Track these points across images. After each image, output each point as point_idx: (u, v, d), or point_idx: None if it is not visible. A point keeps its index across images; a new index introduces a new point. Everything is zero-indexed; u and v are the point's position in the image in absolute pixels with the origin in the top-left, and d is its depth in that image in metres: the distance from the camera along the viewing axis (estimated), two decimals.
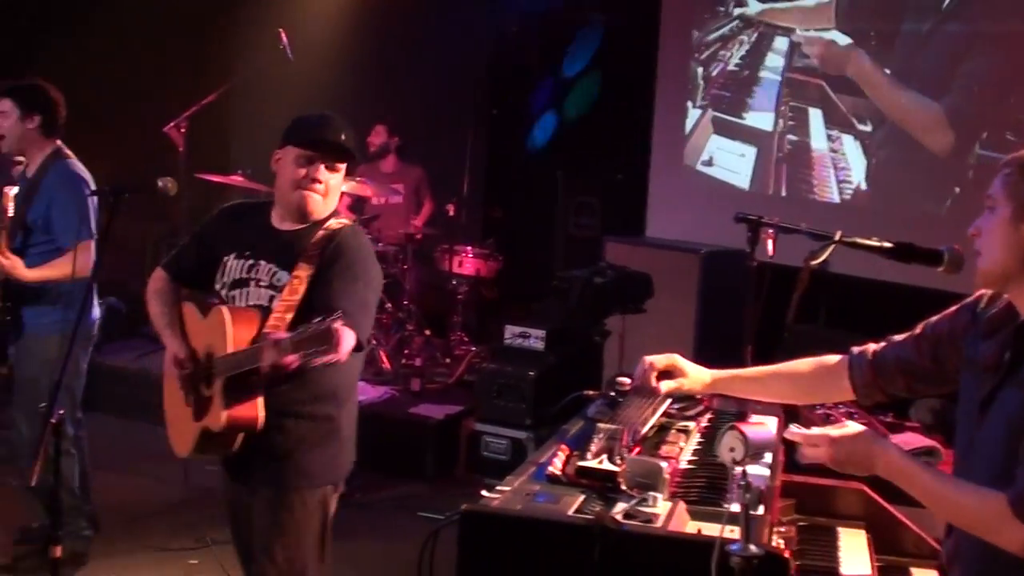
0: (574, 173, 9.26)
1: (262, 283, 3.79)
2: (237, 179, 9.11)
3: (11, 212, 5.27)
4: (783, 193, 8.23)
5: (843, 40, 7.86)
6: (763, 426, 2.32)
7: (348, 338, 3.43)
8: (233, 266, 3.88)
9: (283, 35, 8.95)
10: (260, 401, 3.65)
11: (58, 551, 3.90)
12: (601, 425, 2.93)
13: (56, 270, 5.40)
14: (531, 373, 7.03)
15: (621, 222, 8.81)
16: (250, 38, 10.25)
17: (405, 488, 7.40)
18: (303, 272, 3.69)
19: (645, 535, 2.43)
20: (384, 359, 8.73)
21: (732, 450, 2.26)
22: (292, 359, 3.29)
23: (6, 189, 5.25)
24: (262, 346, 3.41)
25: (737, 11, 8.46)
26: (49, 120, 5.58)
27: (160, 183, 4.36)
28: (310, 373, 3.62)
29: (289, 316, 3.56)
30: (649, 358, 3.22)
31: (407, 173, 9.74)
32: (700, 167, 8.73)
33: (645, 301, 6.50)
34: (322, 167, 3.78)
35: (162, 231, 10.80)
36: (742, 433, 2.26)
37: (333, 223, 3.88)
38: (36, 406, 5.45)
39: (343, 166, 3.85)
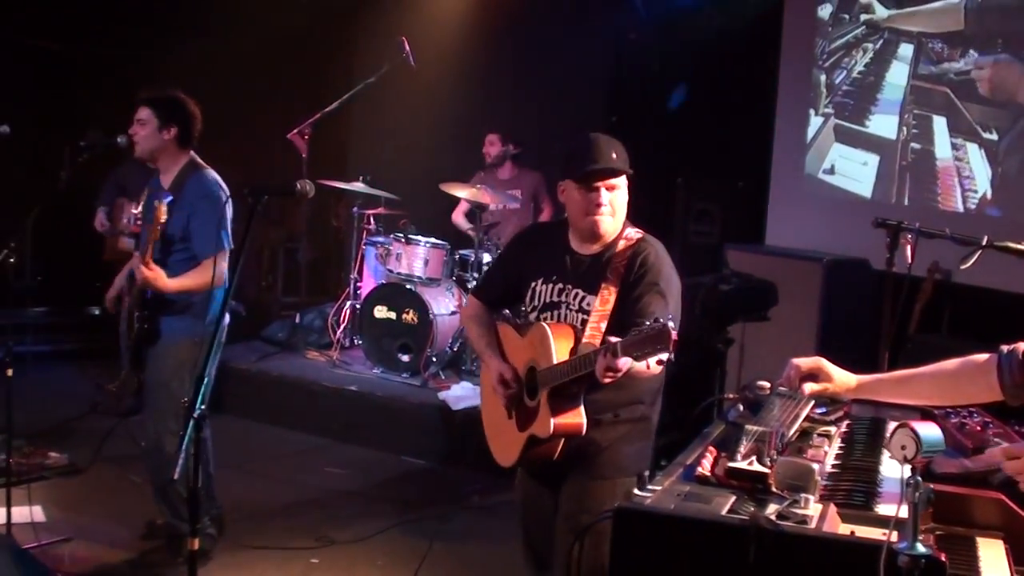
0: (694, 180, 9.23)
1: (572, 307, 4.05)
2: (359, 184, 9.25)
3: (162, 223, 5.37)
4: (905, 202, 8.11)
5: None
6: (932, 425, 2.29)
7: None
8: (542, 291, 4.16)
9: (406, 43, 9.04)
10: (582, 409, 3.88)
11: (195, 543, 3.96)
12: (749, 427, 2.93)
13: (194, 280, 5.54)
14: None
15: (740, 229, 8.77)
16: (372, 46, 10.39)
17: None
18: (611, 285, 3.94)
19: (801, 536, 2.43)
20: None
21: (903, 448, 2.25)
22: (625, 362, 3.43)
23: (159, 202, 5.36)
24: (595, 352, 3.58)
25: (864, 17, 8.36)
26: (186, 132, 5.71)
27: (299, 185, 4.43)
28: (628, 378, 3.78)
29: (603, 325, 3.78)
30: (795, 360, 3.21)
31: (524, 179, 9.79)
32: (822, 175, 8.65)
33: (769, 309, 6.45)
34: (602, 190, 3.97)
35: (280, 236, 11.00)
36: (914, 431, 2.24)
37: (631, 233, 4.09)
38: (165, 408, 5.62)
39: (621, 179, 4.01)
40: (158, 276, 5.42)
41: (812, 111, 8.68)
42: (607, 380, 3.56)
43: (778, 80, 8.89)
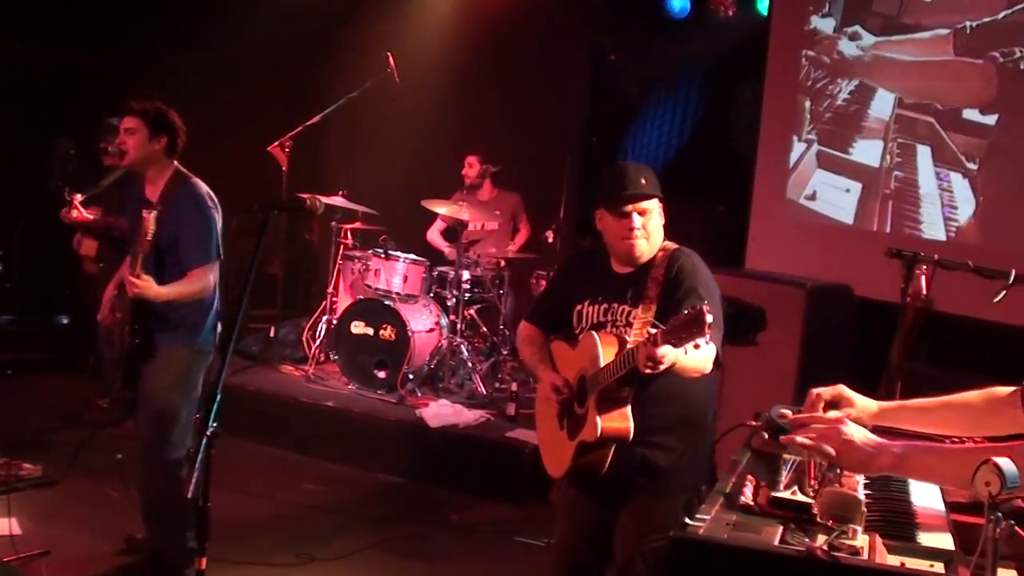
0: (674, 203, 9.22)
1: (620, 323, 4.20)
2: (338, 199, 9.19)
3: (150, 235, 5.29)
4: (887, 230, 8.14)
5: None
6: (1010, 460, 2.29)
7: (710, 351, 3.77)
8: (589, 312, 4.33)
9: (391, 58, 9.00)
10: (629, 412, 3.98)
11: (203, 563, 3.92)
12: (787, 456, 2.94)
13: (186, 288, 5.48)
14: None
15: (721, 254, 8.77)
16: (352, 61, 10.36)
17: (500, 511, 7.43)
18: (651, 294, 4.10)
19: (858, 568, 2.43)
20: (479, 383, 8.76)
21: (988, 484, 2.25)
22: (665, 350, 3.57)
23: (147, 213, 5.29)
24: (637, 345, 3.73)
25: (852, 43, 8.40)
26: (173, 142, 5.67)
27: (308, 201, 4.42)
28: (682, 391, 4.10)
29: (647, 331, 3.80)
30: (817, 389, 3.23)
31: (503, 200, 9.81)
32: (803, 201, 8.67)
33: (758, 334, 6.46)
34: (634, 215, 4.15)
35: (248, 248, 10.89)
36: (997, 467, 2.24)
37: (666, 244, 4.27)
38: (159, 418, 5.57)
39: (651, 203, 4.21)
40: (149, 285, 5.33)
41: (795, 137, 8.70)
42: (648, 371, 3.67)
43: (762, 105, 8.90)
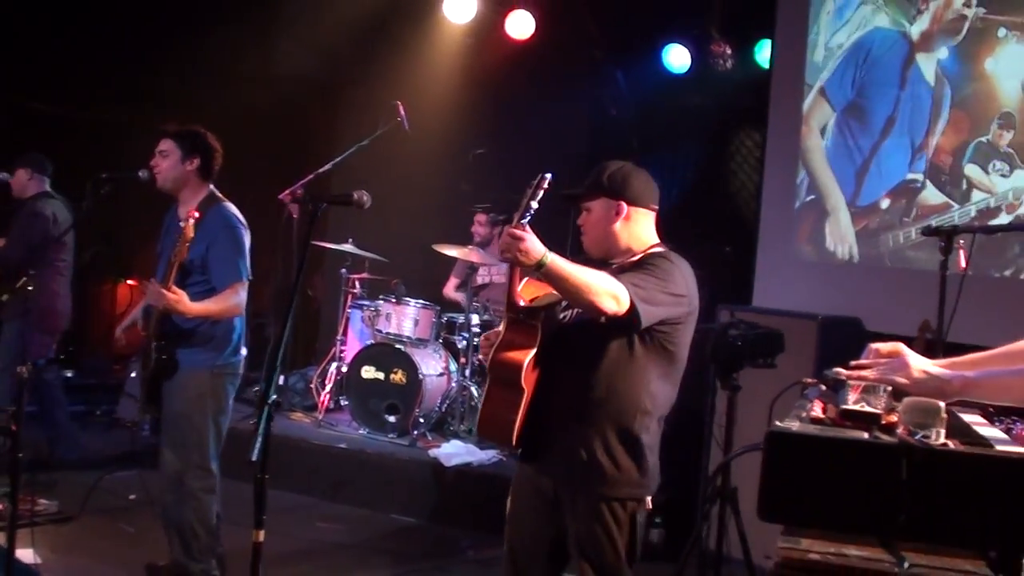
0: (681, 245, 9.33)
1: None
2: (348, 246, 9.28)
3: (188, 242, 5.31)
4: (889, 264, 8.23)
5: None
6: None
7: (622, 294, 3.84)
8: None
9: (400, 107, 9.11)
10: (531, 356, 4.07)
11: (260, 535, 3.94)
12: (852, 383, 2.97)
13: (216, 306, 5.51)
14: None
15: (728, 293, 8.83)
16: (362, 115, 10.45)
17: None
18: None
19: (951, 452, 2.50)
20: None
21: None
22: (520, 232, 3.85)
23: (184, 222, 5.33)
24: None
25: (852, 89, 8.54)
26: (207, 164, 5.74)
27: (356, 195, 4.49)
28: (610, 376, 4.09)
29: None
30: (874, 344, 3.30)
31: None
32: (808, 241, 8.74)
33: (776, 356, 6.49)
34: (583, 212, 4.33)
35: (252, 309, 10.91)
36: None
37: (657, 250, 4.40)
38: (186, 442, 5.55)
39: (594, 203, 4.33)
40: (180, 299, 5.35)
41: (799, 180, 8.79)
42: (508, 255, 3.86)
43: (766, 146, 9.00)
